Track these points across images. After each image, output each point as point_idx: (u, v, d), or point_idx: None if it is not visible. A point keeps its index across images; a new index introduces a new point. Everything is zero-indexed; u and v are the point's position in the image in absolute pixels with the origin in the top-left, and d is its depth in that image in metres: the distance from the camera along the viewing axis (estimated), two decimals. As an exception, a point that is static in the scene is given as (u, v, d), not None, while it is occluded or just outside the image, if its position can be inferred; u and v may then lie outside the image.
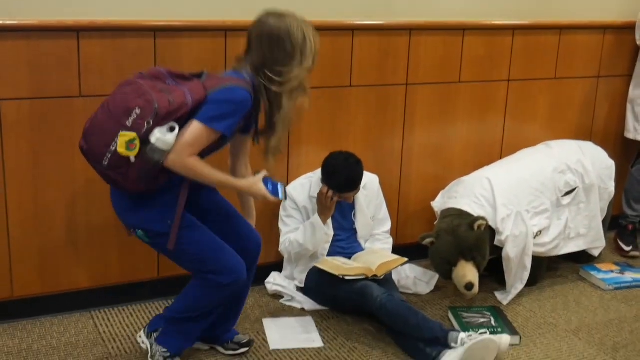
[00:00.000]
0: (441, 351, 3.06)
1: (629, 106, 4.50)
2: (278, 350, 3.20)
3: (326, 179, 3.49)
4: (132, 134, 2.49)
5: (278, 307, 3.57)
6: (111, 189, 2.78)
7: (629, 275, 4.07)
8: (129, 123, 2.51)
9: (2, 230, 3.17)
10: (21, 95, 3.07)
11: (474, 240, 3.53)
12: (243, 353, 3.11)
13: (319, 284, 3.53)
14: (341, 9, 3.65)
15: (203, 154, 2.65)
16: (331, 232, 3.59)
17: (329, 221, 3.58)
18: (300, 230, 3.56)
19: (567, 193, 3.91)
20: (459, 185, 3.86)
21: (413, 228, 4.09)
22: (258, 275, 3.27)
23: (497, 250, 3.69)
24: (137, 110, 2.51)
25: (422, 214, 4.12)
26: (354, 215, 3.66)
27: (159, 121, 2.50)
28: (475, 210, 3.64)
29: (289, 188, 3.61)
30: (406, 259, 3.54)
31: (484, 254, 3.57)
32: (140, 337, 3.08)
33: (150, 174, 2.58)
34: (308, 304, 3.58)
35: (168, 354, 2.93)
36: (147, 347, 3.01)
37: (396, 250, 3.77)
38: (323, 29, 3.55)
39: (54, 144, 3.18)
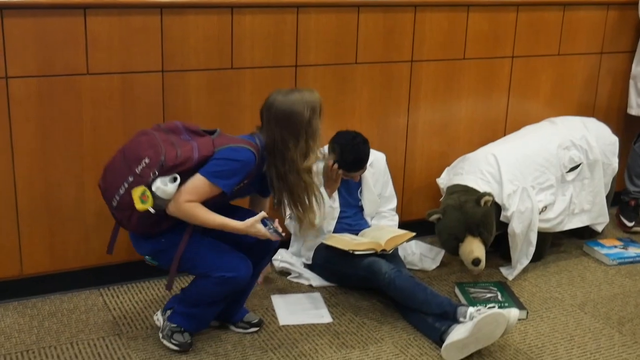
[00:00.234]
0: (450, 325, 3.09)
1: (631, 82, 4.51)
2: (288, 325, 3.22)
3: (331, 153, 3.49)
4: (141, 188, 2.68)
5: (286, 284, 3.59)
6: None
7: (632, 251, 4.10)
8: (137, 170, 2.71)
9: (11, 208, 3.17)
10: (29, 73, 3.07)
11: (481, 216, 3.55)
12: (253, 332, 3.14)
13: (327, 261, 3.55)
14: (347, -15, 3.65)
15: (208, 207, 2.79)
16: (336, 205, 3.60)
17: (335, 195, 3.59)
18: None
19: (572, 169, 3.93)
20: (465, 161, 3.87)
21: (418, 205, 4.11)
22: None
23: (503, 226, 3.72)
24: (147, 160, 2.71)
25: (426, 190, 4.14)
26: (360, 192, 3.67)
27: (164, 172, 2.69)
28: (481, 187, 3.66)
29: None
30: (414, 233, 3.56)
31: (490, 229, 3.59)
32: (156, 315, 3.13)
33: (151, 220, 2.77)
34: (315, 280, 3.60)
35: (178, 329, 2.97)
36: (160, 324, 3.04)
37: (401, 227, 3.78)
38: (328, 6, 3.59)
39: (62, 121, 3.18)
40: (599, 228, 4.21)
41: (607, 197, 4.19)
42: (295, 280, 3.63)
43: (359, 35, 3.72)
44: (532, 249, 3.76)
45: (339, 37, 3.67)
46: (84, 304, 3.32)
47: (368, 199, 3.68)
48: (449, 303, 3.16)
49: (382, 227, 3.69)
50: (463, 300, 3.46)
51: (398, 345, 3.12)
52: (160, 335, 3.01)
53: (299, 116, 2.83)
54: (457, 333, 3.03)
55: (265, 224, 2.81)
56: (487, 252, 3.64)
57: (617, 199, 4.50)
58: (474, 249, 3.54)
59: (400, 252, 3.72)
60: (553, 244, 4.10)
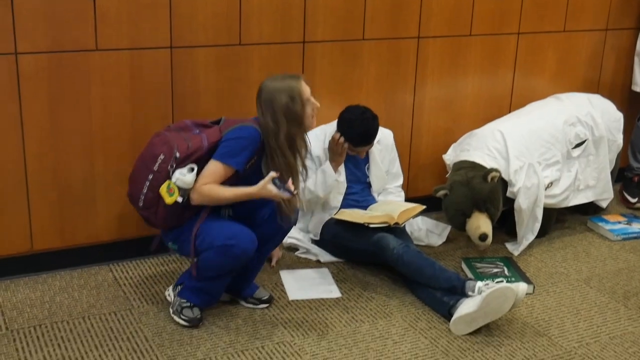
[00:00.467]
0: (458, 300, 3.12)
1: (636, 59, 4.53)
2: (297, 300, 3.24)
3: (341, 132, 3.50)
4: (166, 183, 2.87)
5: (294, 260, 3.62)
6: None
7: (636, 226, 4.14)
8: (155, 167, 2.90)
9: (21, 184, 3.18)
10: (38, 49, 3.06)
11: (488, 192, 3.57)
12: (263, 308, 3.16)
13: (335, 236, 3.57)
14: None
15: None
16: (342, 179, 3.61)
17: (342, 169, 3.60)
18: (312, 177, 3.57)
19: (577, 145, 3.95)
20: (472, 137, 3.88)
21: (424, 181, 4.13)
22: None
23: (509, 202, 3.74)
24: (162, 156, 2.89)
25: (432, 167, 4.15)
26: (368, 168, 3.68)
27: (179, 164, 2.87)
28: (488, 163, 3.68)
29: None
30: (424, 207, 3.58)
31: (497, 205, 3.61)
32: (167, 290, 3.16)
33: (175, 214, 2.92)
34: (323, 256, 3.63)
35: (187, 304, 2.99)
36: (171, 300, 3.07)
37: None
38: (338, -18, 3.57)
39: (71, 97, 3.18)
40: (604, 204, 4.24)
41: (612, 173, 4.21)
42: (303, 256, 3.66)
43: (367, 11, 3.71)
44: (538, 225, 3.79)
45: (347, 13, 3.67)
46: (94, 279, 3.34)
47: (376, 175, 3.69)
48: (457, 278, 3.19)
49: (390, 201, 3.71)
50: (470, 275, 3.49)
51: (407, 319, 3.15)
52: (171, 310, 3.04)
53: (277, 103, 2.91)
54: (465, 307, 3.06)
55: (275, 184, 2.85)
56: (492, 228, 3.66)
57: (620, 175, 4.53)
58: (481, 224, 3.56)
59: (407, 228, 3.75)
60: (557, 220, 4.13)
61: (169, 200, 2.86)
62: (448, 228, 3.87)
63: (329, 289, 3.36)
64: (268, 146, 2.94)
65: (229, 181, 2.92)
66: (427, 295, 3.25)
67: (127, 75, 3.25)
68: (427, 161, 4.15)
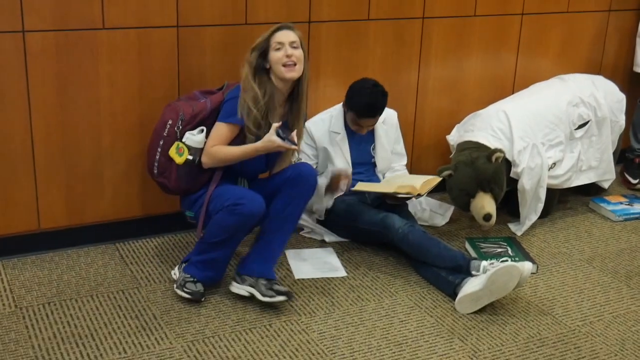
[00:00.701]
0: (463, 279, 3.14)
1: (638, 40, 4.54)
2: (303, 279, 3.27)
3: (348, 100, 3.50)
4: (175, 144, 3.02)
5: (299, 239, 3.63)
6: None
7: (638, 207, 4.16)
8: (165, 133, 3.05)
9: (28, 163, 3.19)
10: (46, 27, 3.06)
11: (492, 172, 3.59)
12: (280, 301, 3.03)
13: (340, 216, 3.59)
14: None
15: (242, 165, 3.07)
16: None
17: (347, 155, 3.61)
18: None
19: (580, 126, 3.97)
20: (476, 118, 3.90)
21: (427, 161, 4.15)
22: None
23: (512, 182, 3.76)
24: (170, 122, 3.05)
25: (436, 147, 4.17)
26: (374, 148, 3.69)
27: (186, 125, 3.03)
28: (492, 143, 3.70)
29: (308, 123, 3.62)
30: (440, 178, 3.60)
31: (501, 185, 3.63)
32: (174, 270, 3.19)
33: (189, 176, 3.05)
34: (328, 235, 3.65)
35: (191, 279, 3.02)
36: (175, 278, 3.09)
37: (412, 183, 3.82)
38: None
39: (79, 75, 3.18)
40: (606, 185, 4.27)
41: (614, 154, 4.23)
42: (307, 235, 3.68)
43: (372, -10, 3.72)
44: (541, 205, 3.81)
45: (352, -8, 3.67)
46: (101, 258, 3.35)
47: (381, 156, 3.71)
48: (462, 257, 3.22)
49: (403, 175, 3.75)
50: (474, 255, 3.51)
51: (412, 298, 3.18)
52: (175, 285, 3.06)
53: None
54: (470, 286, 3.09)
55: (279, 135, 2.91)
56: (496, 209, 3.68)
57: (621, 156, 4.55)
58: (485, 204, 3.59)
59: (410, 209, 3.76)
60: (559, 201, 4.15)
61: (179, 160, 3.00)
62: (451, 208, 3.90)
63: (335, 268, 3.38)
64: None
65: (237, 140, 3.03)
66: (432, 275, 3.28)
67: (134, 54, 3.25)
68: (431, 142, 4.16)
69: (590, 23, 4.46)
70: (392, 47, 3.86)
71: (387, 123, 3.71)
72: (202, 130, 3.02)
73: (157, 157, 3.07)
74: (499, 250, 3.55)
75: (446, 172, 3.67)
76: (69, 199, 3.32)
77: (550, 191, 3.89)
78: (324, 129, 3.62)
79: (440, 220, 3.89)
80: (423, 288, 3.26)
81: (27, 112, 3.12)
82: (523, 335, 2.95)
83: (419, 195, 3.42)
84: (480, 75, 4.18)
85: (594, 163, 4.09)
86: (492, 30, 4.12)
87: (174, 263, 3.32)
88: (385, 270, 3.39)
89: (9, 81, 3.06)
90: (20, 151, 3.16)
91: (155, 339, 2.78)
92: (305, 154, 3.64)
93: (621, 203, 4.19)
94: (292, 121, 3.13)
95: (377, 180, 3.75)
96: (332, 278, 3.30)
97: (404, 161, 3.86)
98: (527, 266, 3.04)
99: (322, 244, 3.62)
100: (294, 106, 3.12)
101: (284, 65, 2.98)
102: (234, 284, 3.08)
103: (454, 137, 3.98)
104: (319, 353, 2.76)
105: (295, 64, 2.99)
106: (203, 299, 3.03)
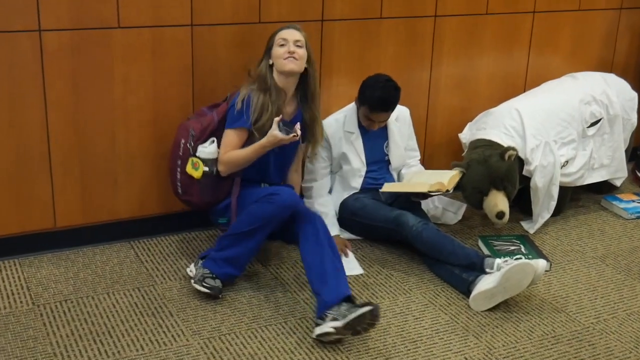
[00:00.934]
0: (477, 276, 3.15)
1: (649, 38, 4.54)
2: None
3: (361, 94, 3.51)
4: (189, 160, 3.13)
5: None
6: None
7: (650, 205, 4.17)
8: (180, 152, 3.17)
9: (44, 162, 3.20)
10: (62, 26, 3.07)
11: (505, 170, 3.59)
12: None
13: (354, 214, 3.60)
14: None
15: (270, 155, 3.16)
16: (363, 164, 3.66)
17: (362, 154, 3.63)
18: (324, 197, 3.63)
19: (593, 124, 3.97)
20: (488, 116, 3.90)
21: (439, 159, 4.16)
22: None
23: (525, 180, 3.77)
24: (183, 141, 3.17)
25: (448, 145, 4.18)
26: (387, 146, 3.70)
27: (197, 140, 3.15)
28: (504, 141, 3.70)
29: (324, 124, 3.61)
30: (462, 172, 3.63)
31: (514, 183, 3.64)
32: (189, 267, 3.19)
33: (210, 187, 3.14)
34: (342, 233, 3.64)
35: (210, 275, 3.04)
36: (193, 274, 3.10)
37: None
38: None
39: (94, 74, 3.19)
40: (618, 183, 4.27)
41: (625, 152, 4.23)
42: (321, 233, 3.68)
43: (385, -11, 3.73)
44: (554, 203, 3.82)
45: (365, -9, 3.68)
46: (117, 256, 3.37)
47: (395, 153, 3.71)
48: (476, 255, 3.23)
49: (423, 171, 3.78)
50: (487, 253, 3.52)
51: (426, 295, 3.19)
52: (192, 281, 3.07)
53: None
54: (485, 283, 3.10)
55: (279, 128, 2.97)
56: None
57: (633, 154, 4.55)
58: (498, 202, 3.59)
59: (423, 206, 3.77)
60: (571, 199, 4.16)
61: (196, 174, 3.10)
62: (464, 206, 3.90)
63: (351, 266, 3.38)
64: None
65: (248, 143, 3.11)
66: (446, 272, 3.29)
67: (148, 53, 3.27)
68: (443, 140, 4.17)
69: (602, 21, 4.46)
70: (405, 45, 3.87)
71: (400, 120, 3.72)
72: (213, 141, 3.14)
73: (178, 177, 3.19)
74: (512, 248, 3.56)
75: (459, 170, 3.68)
76: (84, 197, 3.34)
77: (563, 189, 3.89)
78: (339, 129, 3.62)
79: (453, 218, 3.89)
80: (437, 286, 3.27)
81: (44, 111, 3.14)
82: (537, 333, 2.95)
83: (447, 191, 3.45)
84: (492, 73, 4.18)
85: (606, 161, 4.09)
86: (504, 28, 4.13)
87: (189, 260, 3.33)
88: (399, 268, 3.40)
89: (26, 80, 3.08)
90: (36, 150, 3.18)
91: (172, 336, 2.80)
92: (320, 157, 3.64)
93: (633, 201, 4.19)
94: (307, 121, 3.23)
95: (391, 178, 3.76)
96: (347, 276, 3.28)
97: (418, 156, 3.88)
98: (541, 264, 3.05)
99: (336, 241, 3.63)
100: (305, 107, 3.22)
101: (285, 59, 3.07)
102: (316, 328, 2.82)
103: (466, 135, 3.99)
104: (334, 350, 2.77)
105: (296, 60, 3.07)
106: (221, 296, 3.05)
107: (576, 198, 4.23)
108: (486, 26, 4.07)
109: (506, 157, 3.60)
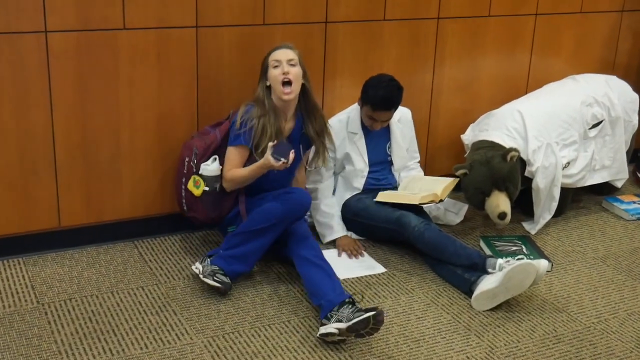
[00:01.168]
0: (479, 276, 3.17)
1: (651, 41, 4.56)
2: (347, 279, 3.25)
3: (364, 93, 3.53)
4: (191, 178, 3.22)
5: (317, 239, 3.65)
6: None
7: (651, 206, 4.19)
8: (184, 170, 3.27)
9: (49, 162, 3.23)
10: (68, 27, 3.10)
11: (507, 171, 3.61)
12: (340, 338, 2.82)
13: (356, 215, 3.62)
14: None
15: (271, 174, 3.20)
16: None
17: (364, 154, 3.65)
18: (329, 198, 3.65)
19: (594, 125, 3.99)
20: (490, 118, 3.92)
21: (441, 161, 4.18)
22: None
23: (526, 181, 3.79)
24: (187, 158, 3.27)
25: (450, 147, 4.20)
26: (389, 147, 3.72)
27: (200, 158, 3.23)
28: (507, 142, 3.72)
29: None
30: (458, 179, 3.65)
31: (516, 184, 3.66)
32: (194, 265, 3.20)
33: (213, 203, 3.23)
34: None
35: (221, 271, 3.07)
36: (199, 271, 3.11)
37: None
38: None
39: (99, 75, 3.22)
40: (619, 184, 4.29)
41: (626, 153, 4.25)
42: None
43: (388, -10, 3.75)
44: (555, 204, 3.84)
45: (368, -7, 3.71)
46: (120, 255, 3.39)
47: (397, 154, 3.73)
48: (478, 255, 3.25)
49: (421, 177, 3.80)
50: (489, 253, 3.54)
51: (428, 295, 3.21)
52: (201, 275, 3.07)
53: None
54: (487, 283, 3.11)
55: (272, 154, 3.00)
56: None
57: (634, 156, 4.57)
58: (500, 203, 3.61)
59: (425, 207, 3.79)
60: (573, 200, 4.17)
61: (197, 192, 3.19)
62: (465, 207, 3.92)
63: (372, 265, 3.42)
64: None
65: (251, 159, 3.19)
66: (448, 272, 3.31)
67: (153, 54, 3.29)
68: (445, 141, 4.19)
69: (603, 23, 4.48)
70: (407, 47, 3.90)
71: (402, 121, 3.74)
72: (215, 159, 3.22)
73: (183, 194, 3.27)
74: (514, 248, 3.58)
75: (461, 171, 3.70)
76: (88, 197, 3.36)
77: (564, 190, 3.91)
78: (343, 130, 3.64)
79: (454, 219, 3.91)
80: (439, 285, 3.29)
81: (49, 111, 3.16)
82: (539, 332, 2.97)
83: (441, 200, 3.50)
84: (494, 75, 4.20)
85: (607, 162, 4.11)
86: (506, 30, 4.15)
87: (192, 260, 3.36)
88: (401, 268, 3.42)
89: (32, 80, 3.10)
90: (41, 150, 3.20)
91: (176, 334, 2.82)
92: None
93: (634, 202, 4.21)
94: (309, 134, 3.32)
95: (393, 179, 3.78)
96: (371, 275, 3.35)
97: (418, 158, 3.91)
98: (543, 264, 3.06)
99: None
100: (306, 121, 3.31)
101: (283, 85, 3.14)
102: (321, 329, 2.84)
103: (469, 137, 4.01)
104: (337, 349, 2.79)
105: (291, 83, 3.13)
106: (228, 293, 3.07)
107: (577, 199, 4.25)
108: (488, 28, 4.09)
109: (508, 158, 3.62)
